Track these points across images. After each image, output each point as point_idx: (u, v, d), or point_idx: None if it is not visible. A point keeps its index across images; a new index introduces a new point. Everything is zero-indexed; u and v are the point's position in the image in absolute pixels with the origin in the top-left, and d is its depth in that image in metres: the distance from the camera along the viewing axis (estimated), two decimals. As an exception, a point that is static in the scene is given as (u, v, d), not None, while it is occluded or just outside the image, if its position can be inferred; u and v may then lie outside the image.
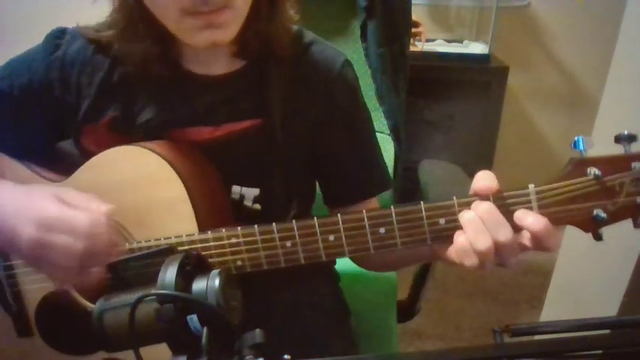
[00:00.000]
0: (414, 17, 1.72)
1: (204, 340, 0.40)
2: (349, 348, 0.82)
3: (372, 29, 1.34)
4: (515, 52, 2.25)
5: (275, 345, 0.39)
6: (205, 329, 0.41)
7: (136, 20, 0.66)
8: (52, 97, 0.71)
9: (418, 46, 2.08)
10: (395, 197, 1.14)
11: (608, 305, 1.15)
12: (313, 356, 0.43)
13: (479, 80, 2.10)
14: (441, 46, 2.18)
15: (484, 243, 0.52)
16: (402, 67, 1.45)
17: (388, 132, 1.36)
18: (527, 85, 2.36)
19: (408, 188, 1.24)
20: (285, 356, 0.39)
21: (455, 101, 2.10)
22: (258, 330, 0.40)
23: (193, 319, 0.41)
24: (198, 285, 0.43)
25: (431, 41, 2.19)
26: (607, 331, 0.44)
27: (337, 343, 0.82)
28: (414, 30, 1.93)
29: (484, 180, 0.55)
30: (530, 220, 0.52)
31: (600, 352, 0.40)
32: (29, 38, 0.74)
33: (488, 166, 2.18)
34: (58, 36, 0.72)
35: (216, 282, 0.43)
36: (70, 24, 0.75)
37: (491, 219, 0.52)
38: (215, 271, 0.44)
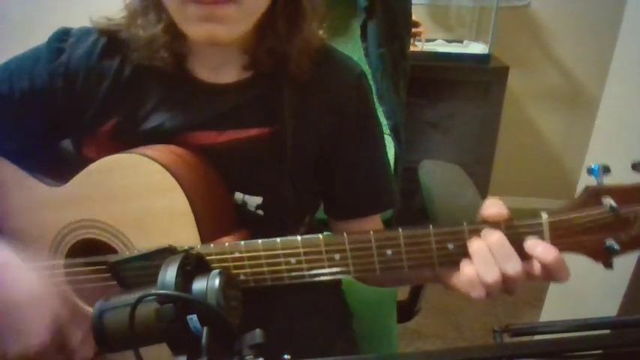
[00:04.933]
0: (414, 17, 1.73)
1: (204, 340, 0.40)
2: (351, 349, 0.82)
3: (373, 29, 1.34)
4: (515, 52, 2.25)
5: (277, 346, 0.39)
6: (205, 329, 0.41)
7: (149, 6, 0.66)
8: (55, 103, 0.70)
9: (418, 46, 2.08)
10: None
11: (608, 305, 1.15)
12: (315, 357, 0.42)
13: (479, 80, 2.10)
14: (441, 46, 2.18)
15: (492, 276, 0.51)
16: (402, 67, 1.45)
17: (388, 132, 1.36)
18: (527, 85, 2.36)
19: (408, 188, 1.24)
20: (285, 356, 0.39)
21: (455, 101, 2.10)
22: (258, 330, 0.40)
23: (193, 319, 0.41)
24: (198, 285, 0.43)
25: (431, 41, 2.19)
26: (607, 331, 0.44)
27: (339, 345, 0.81)
28: (414, 30, 1.93)
29: (493, 206, 0.53)
30: (540, 250, 0.51)
31: (600, 352, 0.40)
32: (32, 35, 0.74)
33: (488, 166, 2.18)
34: (62, 38, 0.71)
35: (216, 282, 0.43)
36: (75, 19, 0.74)
37: (500, 251, 0.51)
38: (215, 272, 0.44)
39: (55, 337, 0.57)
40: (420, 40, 2.09)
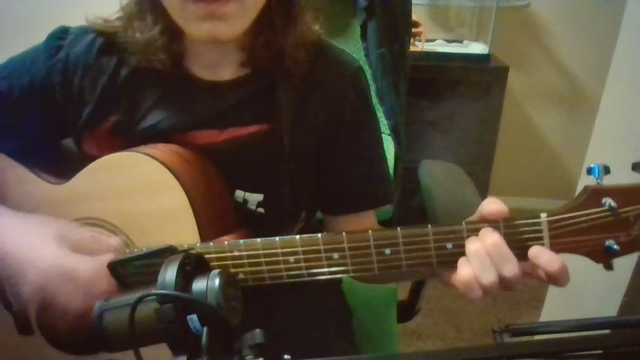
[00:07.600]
0: (414, 17, 1.73)
1: (204, 340, 0.40)
2: (351, 349, 0.82)
3: (372, 29, 1.34)
4: (515, 52, 2.25)
5: (277, 346, 0.39)
6: (205, 329, 0.41)
7: (145, 9, 0.66)
8: (54, 100, 0.70)
9: (418, 46, 2.08)
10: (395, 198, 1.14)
11: (608, 305, 1.15)
12: (315, 357, 0.42)
13: (479, 80, 2.09)
14: (441, 46, 2.18)
15: (489, 278, 0.51)
16: (402, 67, 1.44)
17: (388, 132, 1.36)
18: (527, 85, 2.36)
19: (408, 188, 1.24)
20: (285, 356, 0.39)
21: (455, 101, 2.10)
22: (258, 330, 0.40)
23: (193, 319, 0.41)
24: (198, 285, 0.43)
25: (431, 41, 2.19)
26: (607, 331, 0.44)
27: (339, 343, 0.81)
28: (414, 30, 1.93)
29: (493, 203, 0.53)
30: (545, 259, 0.51)
31: (600, 352, 0.40)
32: (31, 35, 0.74)
33: (488, 166, 2.18)
34: (60, 36, 0.71)
35: (216, 282, 0.43)
36: (73, 21, 0.74)
37: (498, 253, 0.51)
38: (215, 271, 0.44)
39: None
40: (420, 40, 2.09)
